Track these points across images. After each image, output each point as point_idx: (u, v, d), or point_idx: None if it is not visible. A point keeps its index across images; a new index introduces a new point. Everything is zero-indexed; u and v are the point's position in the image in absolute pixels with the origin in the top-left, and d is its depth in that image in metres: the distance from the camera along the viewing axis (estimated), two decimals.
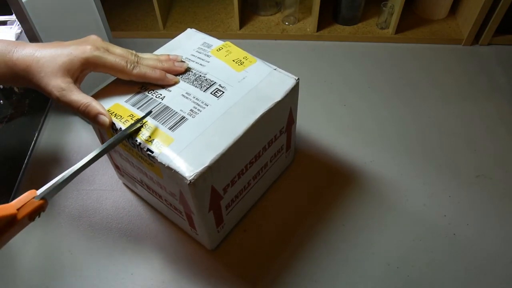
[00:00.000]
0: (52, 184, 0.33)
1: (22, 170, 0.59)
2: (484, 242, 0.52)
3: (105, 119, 0.41)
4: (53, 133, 0.65)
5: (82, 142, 0.63)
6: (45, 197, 0.32)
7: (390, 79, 0.73)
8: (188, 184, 0.37)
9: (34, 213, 0.31)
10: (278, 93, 0.45)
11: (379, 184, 0.58)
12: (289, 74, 0.47)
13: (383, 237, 0.52)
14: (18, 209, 0.30)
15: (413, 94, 0.70)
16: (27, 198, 0.31)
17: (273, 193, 0.56)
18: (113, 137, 0.39)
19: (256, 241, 0.52)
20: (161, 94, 0.44)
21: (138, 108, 0.43)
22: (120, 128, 0.41)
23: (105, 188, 0.58)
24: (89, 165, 0.36)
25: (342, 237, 0.52)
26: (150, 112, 0.42)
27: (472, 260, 0.50)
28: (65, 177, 0.34)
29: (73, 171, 0.35)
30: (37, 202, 0.31)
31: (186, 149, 0.39)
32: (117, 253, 0.51)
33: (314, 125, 0.65)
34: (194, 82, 0.46)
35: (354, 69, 0.76)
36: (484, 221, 0.54)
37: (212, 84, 0.45)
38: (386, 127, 0.65)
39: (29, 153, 0.62)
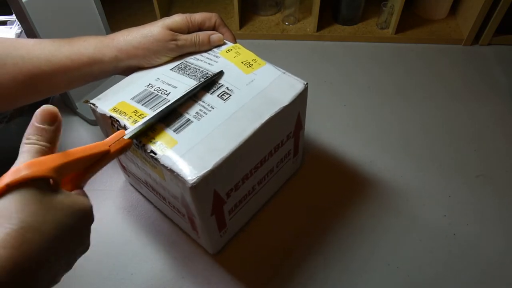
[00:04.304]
0: (137, 127, 0.38)
1: None
2: (484, 242, 0.52)
3: (217, 37, 0.49)
4: None
5: (82, 142, 0.63)
6: (131, 137, 0.37)
7: (390, 79, 0.73)
8: (190, 187, 0.37)
9: (123, 150, 0.36)
10: (286, 98, 0.44)
11: (379, 185, 0.57)
12: (298, 78, 0.46)
13: (383, 237, 0.52)
14: (109, 146, 0.35)
15: (413, 94, 0.70)
16: (117, 137, 0.36)
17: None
18: (194, 86, 0.43)
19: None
20: (166, 91, 0.44)
21: (143, 105, 0.43)
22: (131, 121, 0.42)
23: (106, 188, 0.58)
24: (165, 112, 0.41)
25: (342, 238, 0.52)
26: (222, 71, 0.46)
27: (472, 260, 0.50)
28: (147, 122, 0.39)
29: (154, 118, 0.40)
30: (125, 141, 0.36)
31: (189, 152, 0.39)
32: (117, 253, 0.51)
33: (314, 125, 0.65)
34: (192, 91, 0.45)
35: (354, 69, 0.76)
36: (484, 221, 0.54)
37: (220, 87, 0.45)
38: (385, 127, 0.65)
39: None
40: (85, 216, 0.30)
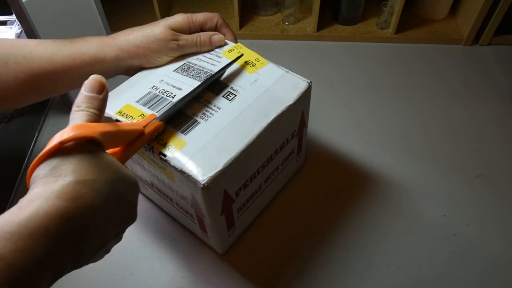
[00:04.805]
0: (167, 110, 0.39)
1: (22, 170, 0.59)
2: (484, 242, 0.52)
3: (218, 37, 0.48)
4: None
5: None
6: (162, 120, 0.38)
7: (390, 79, 0.73)
8: (201, 188, 0.37)
9: (155, 132, 0.37)
10: (290, 96, 0.44)
11: (379, 184, 0.58)
12: (301, 77, 0.46)
13: (383, 237, 0.52)
14: (143, 127, 0.35)
15: (412, 94, 0.70)
16: (148, 119, 0.37)
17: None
18: (213, 74, 0.45)
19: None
20: (171, 93, 0.44)
21: (149, 108, 0.42)
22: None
23: None
24: (191, 96, 0.42)
25: (343, 238, 0.52)
26: (239, 56, 0.47)
27: (472, 260, 0.50)
28: (176, 105, 0.40)
29: (182, 102, 0.41)
30: (157, 123, 0.37)
31: (198, 153, 0.39)
32: (117, 252, 0.51)
33: (315, 124, 0.65)
34: (216, 74, 0.45)
35: (354, 69, 0.76)
36: (484, 221, 0.54)
37: (225, 87, 0.45)
38: (385, 127, 0.65)
39: (29, 153, 0.62)
40: (133, 184, 0.31)
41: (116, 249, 0.52)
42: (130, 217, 0.32)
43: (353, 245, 0.51)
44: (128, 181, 0.31)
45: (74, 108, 0.31)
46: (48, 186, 0.25)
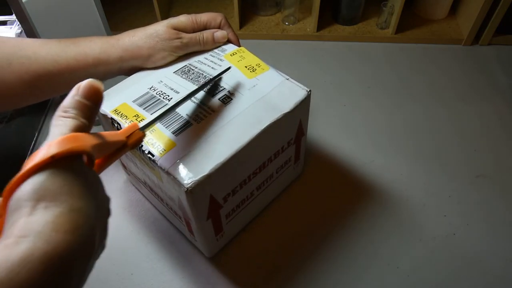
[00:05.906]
0: (151, 121, 0.36)
1: None
2: (484, 242, 0.52)
3: (221, 34, 0.49)
4: None
5: None
6: (144, 130, 0.35)
7: (390, 79, 0.73)
8: (185, 191, 0.37)
9: (137, 143, 0.33)
10: (287, 104, 0.43)
11: (379, 184, 0.57)
12: (301, 85, 0.45)
13: (383, 237, 0.52)
14: (126, 137, 0.32)
15: (412, 94, 0.70)
16: (131, 129, 0.33)
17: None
18: (205, 81, 0.44)
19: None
20: (168, 96, 0.44)
21: (144, 109, 0.42)
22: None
23: (106, 187, 0.58)
24: (177, 107, 0.40)
25: (342, 238, 0.52)
26: (229, 67, 0.46)
27: (472, 260, 0.50)
28: (160, 116, 0.38)
29: (165, 110, 0.39)
30: (141, 133, 0.33)
31: (187, 155, 0.39)
32: (117, 252, 0.51)
33: (314, 125, 0.65)
34: (203, 86, 0.44)
35: (354, 69, 0.76)
36: (484, 221, 0.54)
37: (221, 90, 0.45)
38: (385, 127, 0.65)
39: (29, 153, 0.61)
40: (108, 207, 0.29)
41: (116, 249, 0.52)
42: (105, 242, 0.28)
43: (353, 245, 0.51)
44: (107, 203, 0.28)
45: (60, 112, 0.26)
46: (37, 216, 0.21)
